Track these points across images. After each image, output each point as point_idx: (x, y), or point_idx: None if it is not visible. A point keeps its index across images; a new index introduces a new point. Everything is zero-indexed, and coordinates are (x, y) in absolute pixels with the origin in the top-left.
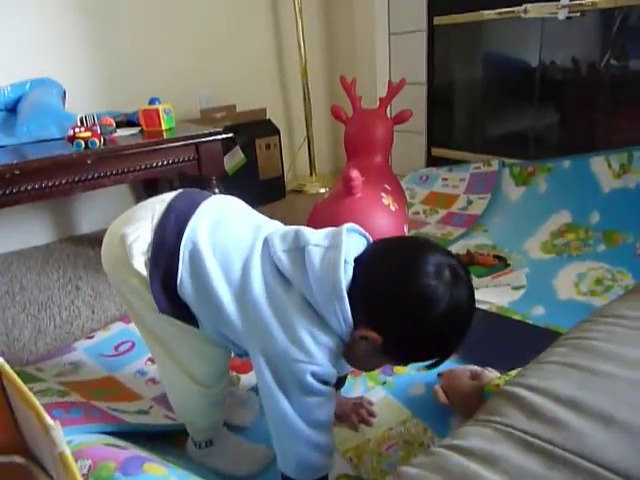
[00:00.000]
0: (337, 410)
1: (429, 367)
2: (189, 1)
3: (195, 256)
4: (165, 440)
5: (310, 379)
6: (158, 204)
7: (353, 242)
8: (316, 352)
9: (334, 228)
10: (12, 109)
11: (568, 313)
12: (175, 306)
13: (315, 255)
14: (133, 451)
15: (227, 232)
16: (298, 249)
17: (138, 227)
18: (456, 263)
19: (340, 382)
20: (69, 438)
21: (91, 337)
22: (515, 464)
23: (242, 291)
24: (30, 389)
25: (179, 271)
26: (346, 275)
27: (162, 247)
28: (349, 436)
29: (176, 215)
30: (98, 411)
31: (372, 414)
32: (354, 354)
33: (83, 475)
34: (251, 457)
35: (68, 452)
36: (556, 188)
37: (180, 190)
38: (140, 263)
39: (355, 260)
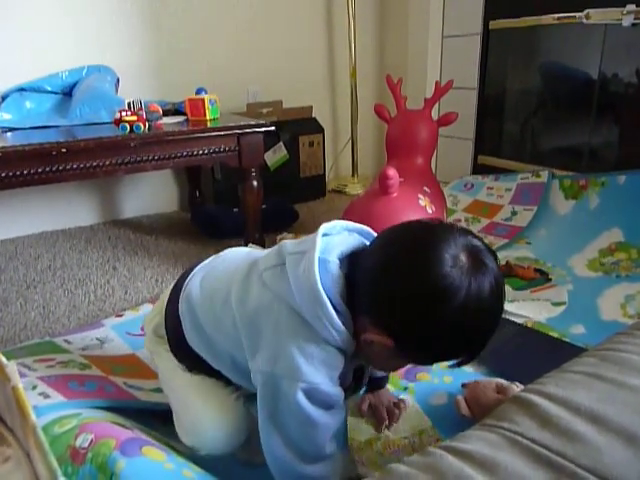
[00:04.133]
0: (374, 400)
1: (457, 365)
2: None
3: (189, 309)
4: None
5: (301, 399)
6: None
7: (344, 240)
8: (304, 366)
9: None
10: (68, 93)
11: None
12: (188, 359)
13: (293, 263)
14: (136, 433)
15: (216, 276)
16: (281, 263)
17: (150, 313)
18: (476, 244)
19: (359, 383)
20: (78, 411)
21: (120, 315)
22: (516, 474)
23: (222, 318)
24: (53, 359)
25: (183, 327)
26: (328, 274)
27: (169, 316)
28: (365, 429)
29: (174, 288)
30: (113, 387)
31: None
32: (371, 358)
33: (83, 449)
34: None
35: (21, 386)
36: (609, 204)
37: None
38: (149, 340)
39: (354, 257)
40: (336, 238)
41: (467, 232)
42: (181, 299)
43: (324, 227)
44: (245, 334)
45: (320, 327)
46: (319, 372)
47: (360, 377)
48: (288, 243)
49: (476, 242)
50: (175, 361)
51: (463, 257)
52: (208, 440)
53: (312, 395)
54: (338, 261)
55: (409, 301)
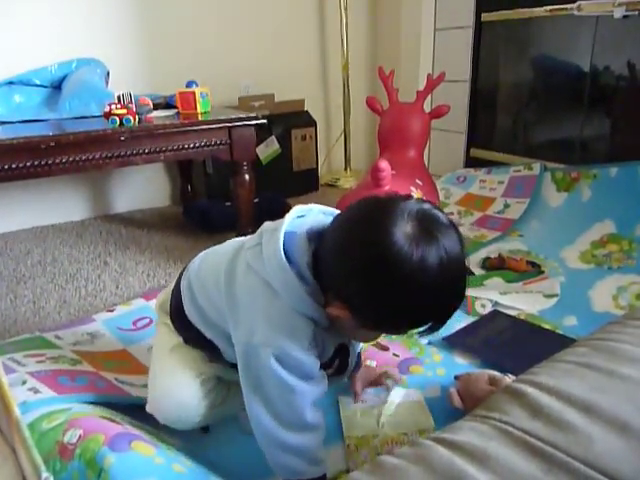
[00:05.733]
0: (365, 379)
1: (428, 332)
2: None
3: (188, 285)
4: None
5: (274, 364)
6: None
7: (317, 219)
8: (274, 334)
9: None
10: (57, 86)
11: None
12: (186, 330)
13: (266, 238)
14: (126, 427)
15: (211, 258)
16: (260, 242)
17: (162, 293)
18: (431, 218)
19: (343, 367)
20: (68, 406)
21: (111, 310)
22: (507, 464)
23: (213, 295)
24: (43, 355)
25: (183, 301)
26: (295, 246)
27: (175, 292)
28: (362, 424)
29: (182, 270)
30: (104, 382)
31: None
32: (344, 330)
33: (71, 444)
34: None
35: (4, 380)
36: (601, 196)
37: None
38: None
39: (321, 235)
40: (310, 218)
41: (424, 206)
42: (183, 278)
43: (298, 208)
44: (229, 308)
45: (287, 296)
46: (288, 339)
47: (345, 357)
48: (267, 223)
49: (432, 216)
50: (170, 334)
51: (410, 229)
52: (162, 406)
53: (283, 361)
54: (306, 235)
55: (356, 271)
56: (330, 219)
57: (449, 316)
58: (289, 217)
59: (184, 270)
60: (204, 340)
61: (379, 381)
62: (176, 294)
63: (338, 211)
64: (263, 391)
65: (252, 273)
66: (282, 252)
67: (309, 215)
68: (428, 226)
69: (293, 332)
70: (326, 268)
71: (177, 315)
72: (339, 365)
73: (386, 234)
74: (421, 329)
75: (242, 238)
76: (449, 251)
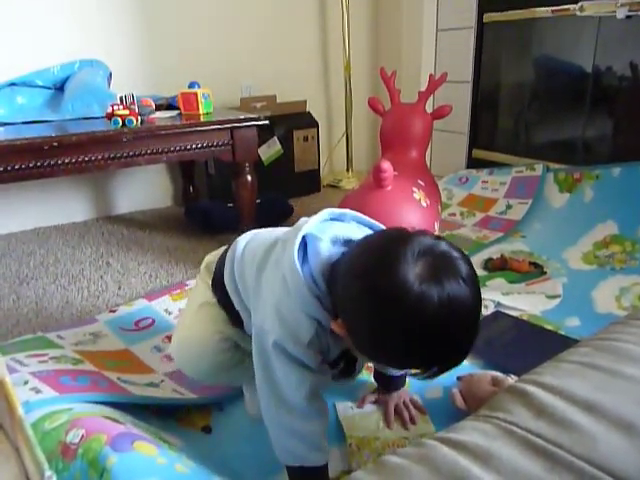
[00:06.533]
0: (384, 396)
1: (424, 377)
2: None
3: (231, 261)
4: (171, 418)
5: (277, 351)
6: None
7: (346, 228)
8: (277, 326)
9: None
10: (60, 87)
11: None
12: (221, 294)
13: (292, 235)
14: (128, 427)
15: (254, 244)
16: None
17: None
18: (444, 263)
19: (350, 370)
20: (70, 406)
21: (114, 311)
22: (511, 464)
23: (247, 275)
24: (45, 355)
25: (225, 271)
26: (315, 250)
27: (220, 259)
28: (362, 426)
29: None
30: (106, 381)
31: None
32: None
33: (74, 444)
34: None
35: (8, 379)
36: (603, 197)
37: None
38: (200, 271)
39: (348, 242)
40: (339, 224)
41: (450, 253)
42: (231, 248)
43: (329, 211)
44: (254, 293)
45: (295, 296)
46: (289, 334)
47: (352, 360)
48: (303, 218)
49: (449, 264)
50: (206, 291)
51: (418, 266)
52: (179, 352)
53: (284, 350)
54: (330, 243)
55: (356, 298)
56: (364, 229)
57: (446, 368)
58: (316, 219)
59: (234, 242)
60: (232, 307)
61: (399, 411)
62: (222, 260)
63: (372, 221)
64: (270, 372)
65: (277, 266)
66: (295, 255)
67: (342, 220)
68: (437, 272)
69: (296, 328)
70: (336, 286)
71: (218, 279)
72: (345, 368)
73: (388, 271)
74: (415, 371)
75: (283, 229)
76: (453, 300)
